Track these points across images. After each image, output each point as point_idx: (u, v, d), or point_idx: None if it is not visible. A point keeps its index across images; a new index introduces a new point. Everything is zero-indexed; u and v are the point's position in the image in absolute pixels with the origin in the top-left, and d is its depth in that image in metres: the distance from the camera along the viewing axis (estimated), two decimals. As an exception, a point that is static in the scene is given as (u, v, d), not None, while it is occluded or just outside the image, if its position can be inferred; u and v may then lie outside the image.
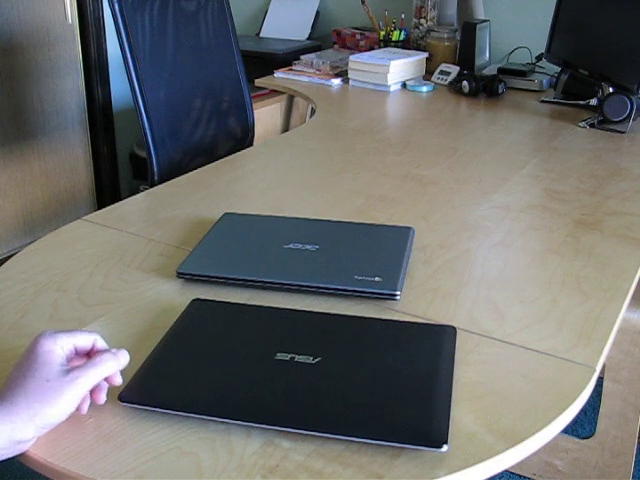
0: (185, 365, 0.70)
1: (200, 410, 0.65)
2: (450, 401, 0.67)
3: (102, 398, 0.67)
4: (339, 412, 0.64)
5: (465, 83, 1.98)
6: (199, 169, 1.37)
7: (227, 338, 0.76)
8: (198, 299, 0.85)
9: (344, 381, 0.68)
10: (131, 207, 1.20)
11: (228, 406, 0.66)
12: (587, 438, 1.49)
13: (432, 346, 0.75)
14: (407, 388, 0.67)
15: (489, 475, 0.63)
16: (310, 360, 0.71)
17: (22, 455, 0.63)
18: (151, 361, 0.71)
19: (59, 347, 0.64)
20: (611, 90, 1.74)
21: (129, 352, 0.69)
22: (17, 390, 0.60)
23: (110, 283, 0.92)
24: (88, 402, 0.66)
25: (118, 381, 0.67)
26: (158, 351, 0.73)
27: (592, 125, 1.70)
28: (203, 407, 0.66)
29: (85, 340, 0.67)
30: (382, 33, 2.34)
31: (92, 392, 0.67)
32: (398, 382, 0.68)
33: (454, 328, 0.79)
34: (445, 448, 0.61)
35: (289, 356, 0.72)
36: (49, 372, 0.61)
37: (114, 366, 0.66)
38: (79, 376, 0.62)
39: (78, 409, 0.65)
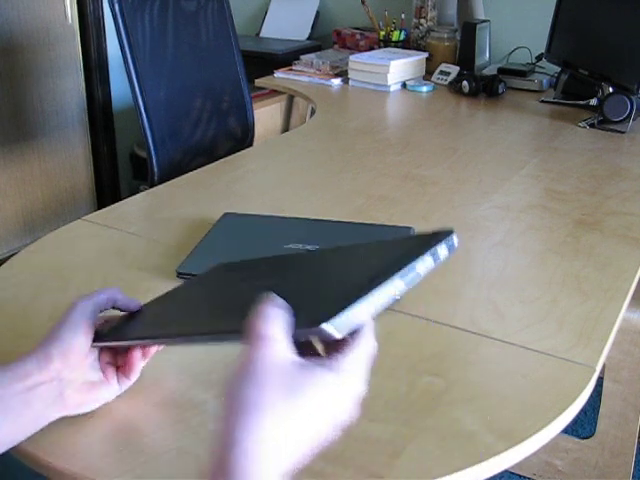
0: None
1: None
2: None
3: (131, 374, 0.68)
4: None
5: (465, 83, 1.98)
6: (199, 169, 1.37)
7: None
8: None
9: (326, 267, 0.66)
10: (131, 207, 1.20)
11: None
12: (587, 438, 1.49)
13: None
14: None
15: (489, 475, 0.63)
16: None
17: (23, 454, 0.63)
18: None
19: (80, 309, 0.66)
20: (611, 90, 1.74)
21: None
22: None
23: (110, 283, 0.92)
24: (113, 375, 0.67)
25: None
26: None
27: (592, 125, 1.70)
28: None
29: (104, 301, 0.68)
30: (382, 33, 2.34)
31: (122, 367, 0.68)
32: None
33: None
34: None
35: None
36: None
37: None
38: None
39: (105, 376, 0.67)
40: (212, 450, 0.47)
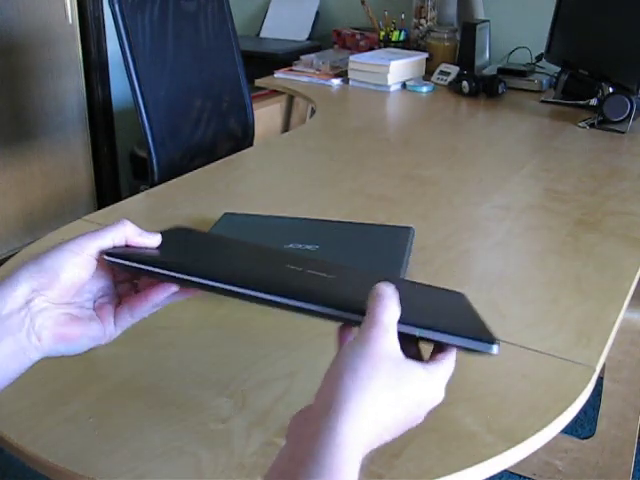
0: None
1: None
2: None
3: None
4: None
5: (465, 83, 1.98)
6: (199, 169, 1.37)
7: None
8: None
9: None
10: (131, 207, 1.20)
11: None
12: (587, 438, 1.49)
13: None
14: None
15: (489, 475, 0.63)
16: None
17: (24, 454, 0.63)
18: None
19: None
20: (611, 90, 1.74)
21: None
22: None
23: (110, 283, 0.92)
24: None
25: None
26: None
27: (592, 125, 1.70)
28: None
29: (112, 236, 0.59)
30: (382, 33, 2.34)
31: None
32: None
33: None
34: None
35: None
36: None
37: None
38: None
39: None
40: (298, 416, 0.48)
